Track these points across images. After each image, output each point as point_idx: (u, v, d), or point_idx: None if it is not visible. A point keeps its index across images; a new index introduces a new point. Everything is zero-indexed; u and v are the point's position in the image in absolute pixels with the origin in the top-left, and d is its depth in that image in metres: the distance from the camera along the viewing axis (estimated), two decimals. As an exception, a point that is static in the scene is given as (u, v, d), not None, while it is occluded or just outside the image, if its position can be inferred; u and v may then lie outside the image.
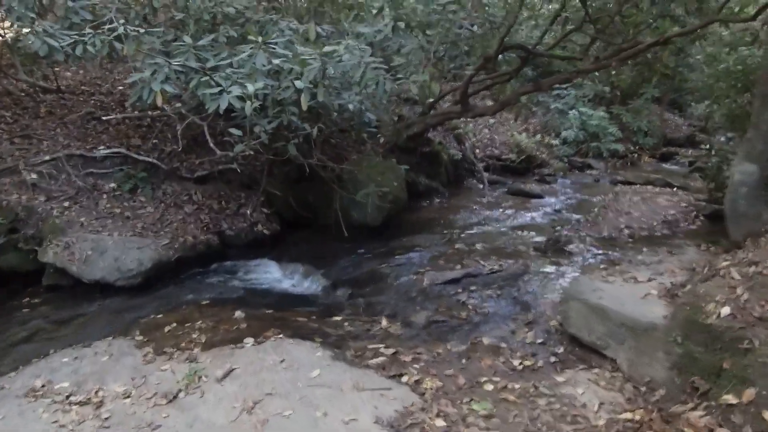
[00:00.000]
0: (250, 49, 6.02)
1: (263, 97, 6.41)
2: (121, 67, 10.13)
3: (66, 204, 7.16)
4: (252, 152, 6.31)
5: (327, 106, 6.75)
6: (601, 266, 6.93)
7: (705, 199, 10.81)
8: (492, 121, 14.92)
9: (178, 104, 7.09)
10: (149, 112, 7.86)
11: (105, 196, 7.43)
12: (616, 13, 8.25)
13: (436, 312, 5.69)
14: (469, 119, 12.14)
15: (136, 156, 7.74)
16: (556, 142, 14.91)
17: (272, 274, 6.98)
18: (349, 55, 6.08)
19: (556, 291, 6.16)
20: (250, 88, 5.38)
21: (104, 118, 7.86)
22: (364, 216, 8.25)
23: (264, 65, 5.84)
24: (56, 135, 7.91)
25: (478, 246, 7.63)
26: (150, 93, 6.08)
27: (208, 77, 6.02)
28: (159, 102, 6.12)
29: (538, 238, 8.19)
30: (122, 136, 8.03)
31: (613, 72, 11.56)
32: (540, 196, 11.19)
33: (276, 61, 5.68)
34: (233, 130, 6.05)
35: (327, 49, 5.94)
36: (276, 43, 6.27)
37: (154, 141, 8.08)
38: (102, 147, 7.71)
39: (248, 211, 7.88)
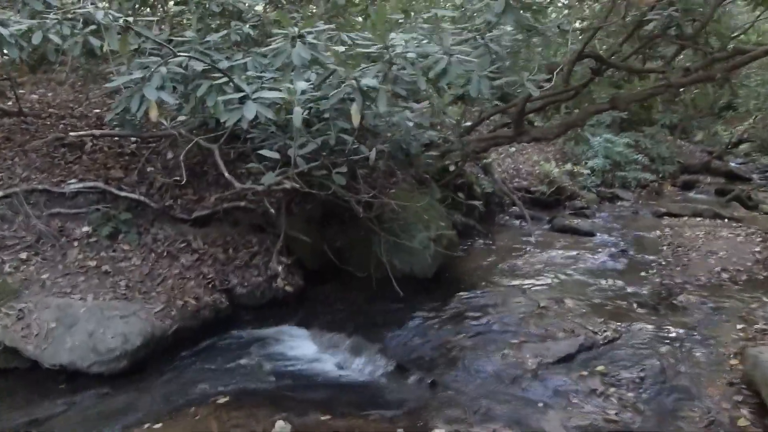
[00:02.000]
0: (281, 41, 4.30)
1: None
2: (98, 89, 8.26)
3: (23, 255, 5.30)
4: (298, 185, 4.51)
5: (383, 119, 5.04)
6: (738, 327, 5.37)
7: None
8: (512, 149, 13.34)
9: (182, 118, 5.29)
10: (144, 132, 6.01)
11: (76, 243, 5.56)
12: (710, 17, 6.77)
13: (569, 411, 3.93)
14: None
15: (116, 192, 5.88)
16: (585, 171, 13.37)
17: (306, 349, 5.16)
18: (413, 52, 4.38)
19: (713, 368, 4.53)
20: (302, 84, 3.64)
21: (73, 134, 6.00)
22: (410, 266, 6.52)
23: (306, 59, 4.10)
24: (13, 165, 6.01)
25: (568, 302, 5.91)
26: (141, 103, 4.31)
27: (225, 78, 4.27)
28: (153, 116, 4.35)
29: (631, 289, 6.54)
30: (99, 166, 6.17)
31: (682, 90, 10.14)
32: (591, 234, 9.57)
33: (333, 52, 3.93)
34: (267, 152, 4.27)
35: (394, 38, 4.25)
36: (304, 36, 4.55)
37: (148, 169, 6.23)
38: (72, 180, 5.84)
39: (266, 262, 6.05)
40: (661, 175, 15.48)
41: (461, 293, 6.27)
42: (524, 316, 5.55)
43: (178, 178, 5.43)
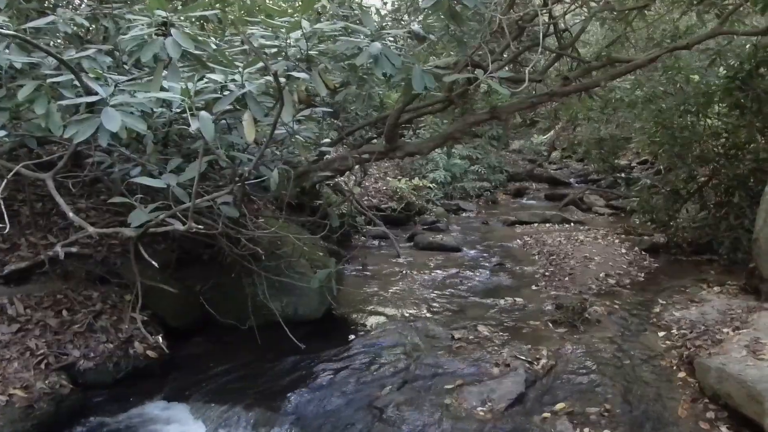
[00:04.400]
0: (143, 29, 3.16)
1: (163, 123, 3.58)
2: None
3: None
4: (201, 227, 3.32)
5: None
6: (660, 335, 5.13)
7: (623, 231, 9.76)
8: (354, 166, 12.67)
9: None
10: None
11: None
12: (583, 29, 6.66)
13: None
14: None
15: None
16: (429, 185, 13.08)
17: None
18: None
19: (666, 384, 4.22)
20: (220, 77, 2.57)
21: None
22: (295, 307, 5.54)
23: (188, 50, 3.00)
24: None
25: (482, 330, 5.26)
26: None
27: (62, 77, 3.04)
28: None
29: (533, 305, 6.11)
30: None
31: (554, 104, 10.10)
32: (458, 249, 9.15)
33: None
34: (148, 181, 3.08)
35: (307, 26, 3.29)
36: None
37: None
38: None
39: (115, 322, 4.70)
40: (493, 185, 15.79)
41: (360, 333, 5.38)
42: (444, 352, 4.80)
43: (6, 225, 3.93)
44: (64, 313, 4.70)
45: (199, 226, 3.21)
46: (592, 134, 13.85)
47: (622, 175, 14.09)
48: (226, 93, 3.19)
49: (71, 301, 4.81)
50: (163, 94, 2.72)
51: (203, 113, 2.57)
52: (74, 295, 4.86)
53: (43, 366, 4.22)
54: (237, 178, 3.52)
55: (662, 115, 8.23)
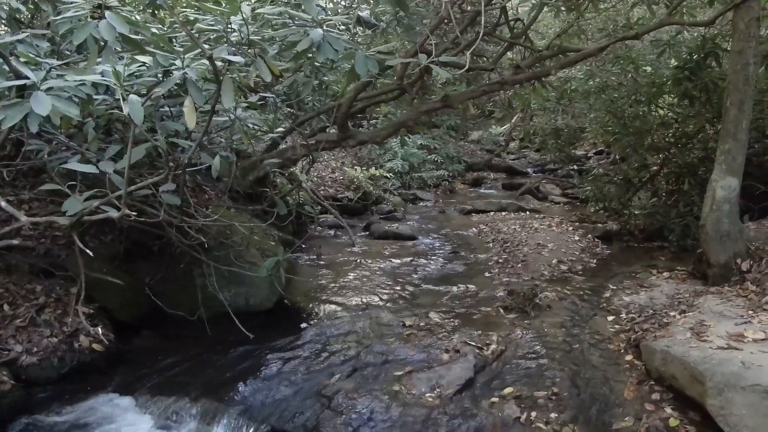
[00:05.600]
0: (77, 11, 3.06)
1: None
2: None
3: None
4: (134, 213, 3.22)
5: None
6: (609, 319, 5.20)
7: (577, 219, 9.93)
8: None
9: None
10: None
11: None
12: (534, 19, 6.70)
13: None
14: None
15: None
16: (387, 174, 13.06)
17: (139, 425, 3.86)
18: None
19: (614, 368, 4.28)
20: (148, 60, 2.49)
21: None
22: (246, 298, 5.49)
23: (124, 34, 2.91)
24: None
25: (433, 317, 5.29)
26: None
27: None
28: None
29: (485, 292, 6.16)
30: None
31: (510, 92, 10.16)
32: (413, 238, 9.17)
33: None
34: (76, 166, 2.98)
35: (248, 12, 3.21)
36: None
37: None
38: None
39: (60, 315, 4.58)
40: (451, 174, 15.86)
41: (312, 322, 5.36)
42: (394, 339, 4.80)
43: None
44: (6, 307, 4.55)
45: (134, 213, 3.13)
46: (548, 124, 13.99)
47: (575, 167, 14.29)
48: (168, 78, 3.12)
49: (13, 295, 4.67)
50: (94, 78, 2.64)
51: (132, 96, 2.50)
52: (16, 289, 4.72)
53: (-19, 362, 4.09)
54: (172, 165, 3.44)
55: (614, 105, 8.35)
